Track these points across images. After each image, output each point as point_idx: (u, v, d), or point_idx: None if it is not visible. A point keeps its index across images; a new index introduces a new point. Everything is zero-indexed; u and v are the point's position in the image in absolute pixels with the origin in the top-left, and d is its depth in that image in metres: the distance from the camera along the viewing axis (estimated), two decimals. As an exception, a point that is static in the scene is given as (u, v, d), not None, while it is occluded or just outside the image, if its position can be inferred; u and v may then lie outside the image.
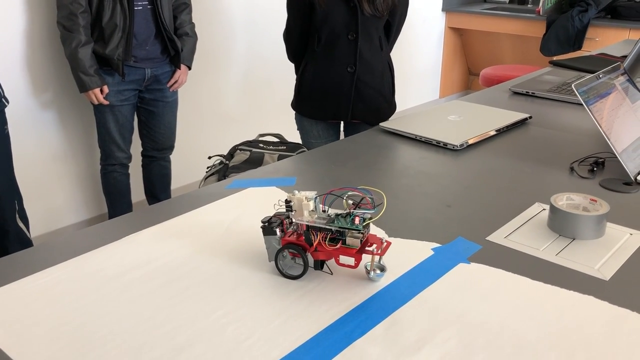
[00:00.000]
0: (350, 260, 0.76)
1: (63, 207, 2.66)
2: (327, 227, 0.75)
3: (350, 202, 0.75)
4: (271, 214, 0.82)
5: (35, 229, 2.41)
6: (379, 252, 0.76)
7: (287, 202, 0.77)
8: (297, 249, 0.76)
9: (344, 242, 0.75)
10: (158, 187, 2.71)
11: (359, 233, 0.74)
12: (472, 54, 4.97)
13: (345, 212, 0.76)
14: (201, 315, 0.72)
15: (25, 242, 2.01)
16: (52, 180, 2.58)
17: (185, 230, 0.93)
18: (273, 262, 0.80)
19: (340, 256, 0.76)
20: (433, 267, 0.82)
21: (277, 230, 0.77)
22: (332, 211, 0.78)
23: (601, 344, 0.66)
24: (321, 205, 0.78)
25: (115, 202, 2.58)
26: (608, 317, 0.70)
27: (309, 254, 0.77)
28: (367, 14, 1.83)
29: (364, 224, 0.74)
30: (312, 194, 0.78)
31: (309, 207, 0.75)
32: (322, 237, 0.75)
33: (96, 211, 2.79)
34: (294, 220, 0.77)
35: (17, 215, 1.95)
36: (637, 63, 1.58)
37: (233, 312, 0.72)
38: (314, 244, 0.75)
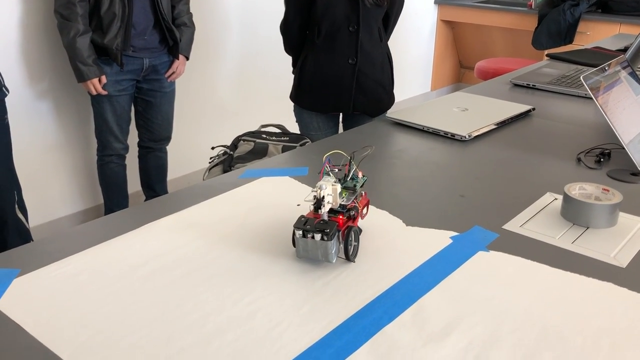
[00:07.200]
0: (366, 208, 0.87)
1: (58, 198, 2.64)
2: (355, 194, 0.82)
3: (337, 170, 0.83)
4: (296, 218, 0.81)
5: (31, 220, 2.39)
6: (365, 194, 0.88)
7: (316, 198, 0.77)
8: (353, 228, 0.80)
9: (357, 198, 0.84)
10: (154, 178, 2.70)
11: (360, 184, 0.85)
12: (464, 46, 4.99)
13: (349, 176, 0.83)
14: (228, 303, 0.72)
15: (23, 233, 2.00)
16: (48, 171, 2.56)
17: (203, 219, 0.94)
18: (294, 250, 0.81)
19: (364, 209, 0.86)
20: (453, 255, 0.83)
21: (334, 227, 0.77)
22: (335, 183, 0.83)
23: (625, 329, 0.67)
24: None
25: (112, 194, 2.56)
26: (629, 303, 0.72)
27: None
28: (369, 4, 1.82)
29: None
30: (333, 179, 0.79)
31: (339, 189, 0.78)
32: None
33: (92, 202, 2.78)
34: (347, 205, 0.80)
35: (16, 206, 1.94)
36: (637, 55, 1.60)
37: (260, 299, 0.73)
38: (360, 213, 0.83)
